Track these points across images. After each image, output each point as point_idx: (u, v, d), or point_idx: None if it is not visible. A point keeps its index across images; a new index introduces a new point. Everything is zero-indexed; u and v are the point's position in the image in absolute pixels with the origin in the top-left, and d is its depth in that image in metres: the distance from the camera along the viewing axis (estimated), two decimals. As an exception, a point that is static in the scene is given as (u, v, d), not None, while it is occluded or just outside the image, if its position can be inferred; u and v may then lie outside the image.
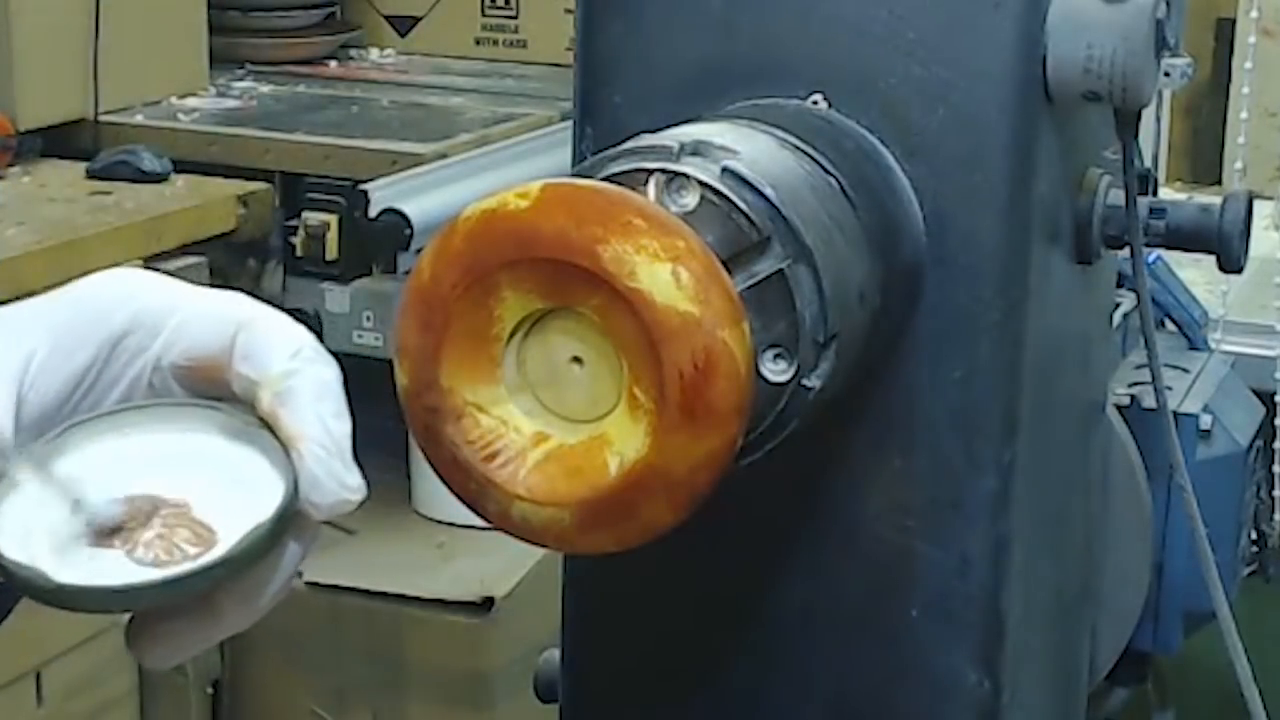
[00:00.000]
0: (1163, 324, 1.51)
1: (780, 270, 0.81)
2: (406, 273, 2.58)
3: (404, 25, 3.35)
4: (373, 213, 2.34)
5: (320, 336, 2.75)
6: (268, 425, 0.70)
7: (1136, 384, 1.32)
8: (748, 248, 0.81)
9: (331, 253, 2.57)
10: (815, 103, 0.97)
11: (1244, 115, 2.41)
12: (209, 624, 0.68)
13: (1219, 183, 2.82)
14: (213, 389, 0.70)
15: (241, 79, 3.10)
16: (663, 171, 0.82)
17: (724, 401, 0.76)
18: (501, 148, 2.65)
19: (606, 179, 0.81)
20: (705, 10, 0.99)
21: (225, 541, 0.67)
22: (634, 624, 1.07)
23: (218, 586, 0.67)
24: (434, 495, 2.56)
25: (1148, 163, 1.36)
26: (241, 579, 0.68)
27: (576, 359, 0.78)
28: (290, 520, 0.68)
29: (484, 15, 3.28)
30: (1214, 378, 1.45)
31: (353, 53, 3.35)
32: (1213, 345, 1.58)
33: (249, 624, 0.69)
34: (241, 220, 2.45)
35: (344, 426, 0.70)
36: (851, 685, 1.02)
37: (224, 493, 0.69)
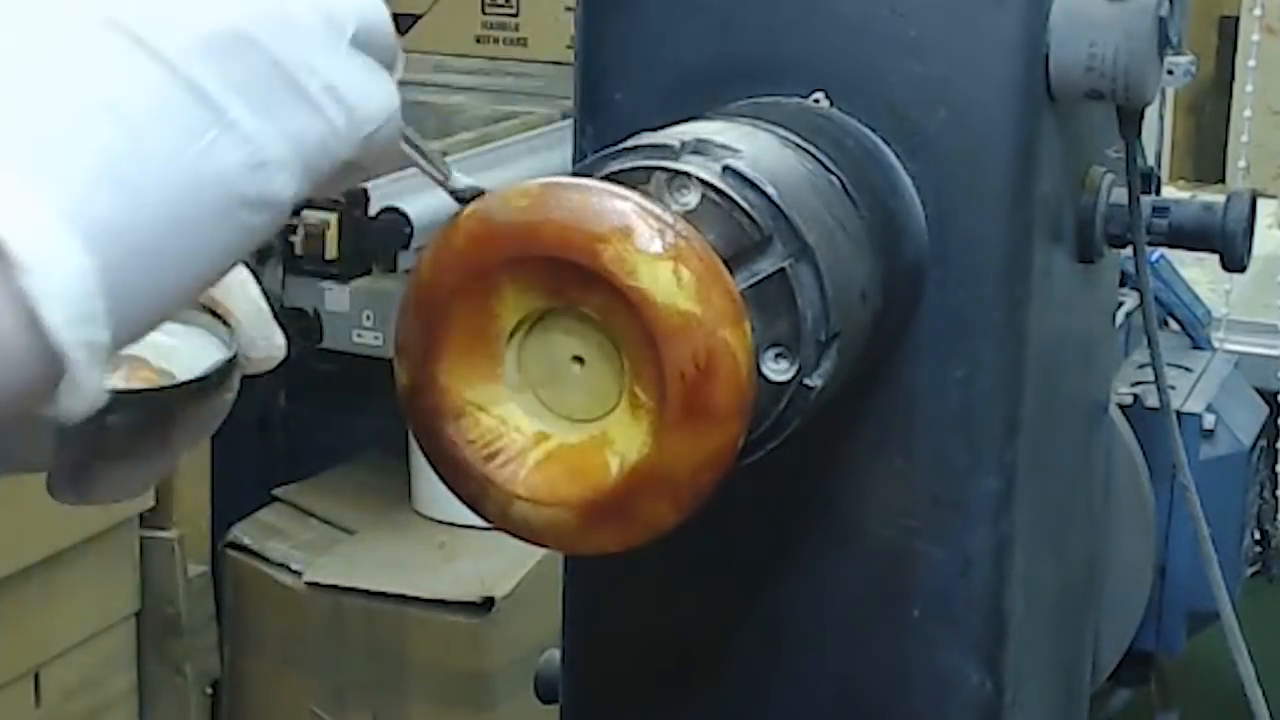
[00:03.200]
0: (1166, 323, 1.51)
1: (782, 269, 0.81)
2: (407, 272, 2.58)
3: (404, 23, 3.34)
4: (373, 211, 2.34)
5: (320, 336, 2.77)
6: (205, 309, 0.78)
7: (1139, 383, 1.32)
8: (749, 246, 0.81)
9: (331, 251, 2.56)
10: (816, 101, 0.97)
11: (1247, 113, 2.41)
12: (161, 455, 0.76)
13: (1222, 181, 2.81)
14: None
15: (241, 77, 3.09)
16: (663, 170, 0.81)
17: (725, 401, 0.75)
18: (502, 146, 2.65)
19: (607, 177, 0.81)
20: (706, 8, 0.99)
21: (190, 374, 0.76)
22: (634, 624, 1.07)
23: (185, 407, 0.76)
24: (434, 495, 2.56)
25: (1150, 161, 1.36)
26: (197, 409, 0.77)
27: (577, 358, 0.78)
28: (235, 367, 0.80)
29: (484, 13, 3.28)
30: (1217, 377, 1.45)
31: (353, 51, 3.34)
32: (1216, 344, 1.57)
33: (185, 454, 0.78)
34: (241, 219, 2.44)
35: (262, 300, 0.80)
36: (853, 685, 1.01)
37: (176, 352, 0.77)
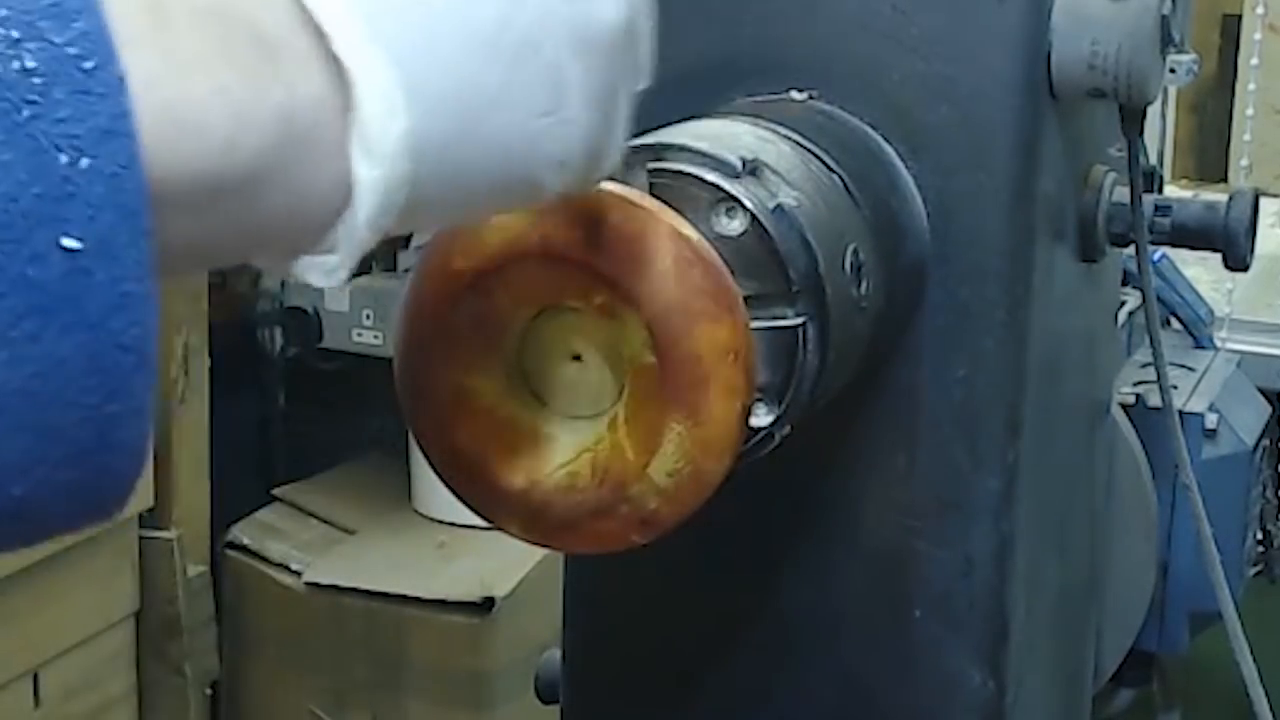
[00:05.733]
0: (1168, 322, 1.50)
1: (794, 326, 0.80)
2: (407, 270, 2.58)
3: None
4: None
5: (319, 335, 2.76)
6: None
7: (1142, 382, 1.31)
8: (773, 293, 0.80)
9: (331, 251, 2.56)
10: (812, 98, 0.96)
11: (1249, 112, 2.41)
12: None
13: (1225, 180, 2.81)
14: None
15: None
16: (717, 188, 0.80)
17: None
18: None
19: (656, 171, 0.80)
20: (709, 6, 0.98)
21: None
22: (634, 624, 1.06)
23: None
24: (434, 495, 2.56)
25: (1153, 160, 1.36)
26: None
27: (577, 356, 0.77)
28: None
29: (485, 13, 3.28)
30: (1220, 376, 1.45)
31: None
32: (1218, 344, 1.57)
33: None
34: (241, 218, 2.44)
35: None
36: (854, 686, 1.01)
37: None
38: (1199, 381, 1.43)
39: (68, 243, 0.50)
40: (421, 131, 0.60)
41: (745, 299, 0.76)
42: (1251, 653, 1.12)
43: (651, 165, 0.81)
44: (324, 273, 0.61)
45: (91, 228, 0.50)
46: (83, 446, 0.51)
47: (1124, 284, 1.25)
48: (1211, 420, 1.36)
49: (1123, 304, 1.30)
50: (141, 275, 0.51)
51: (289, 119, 0.57)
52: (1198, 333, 1.52)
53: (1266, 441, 1.43)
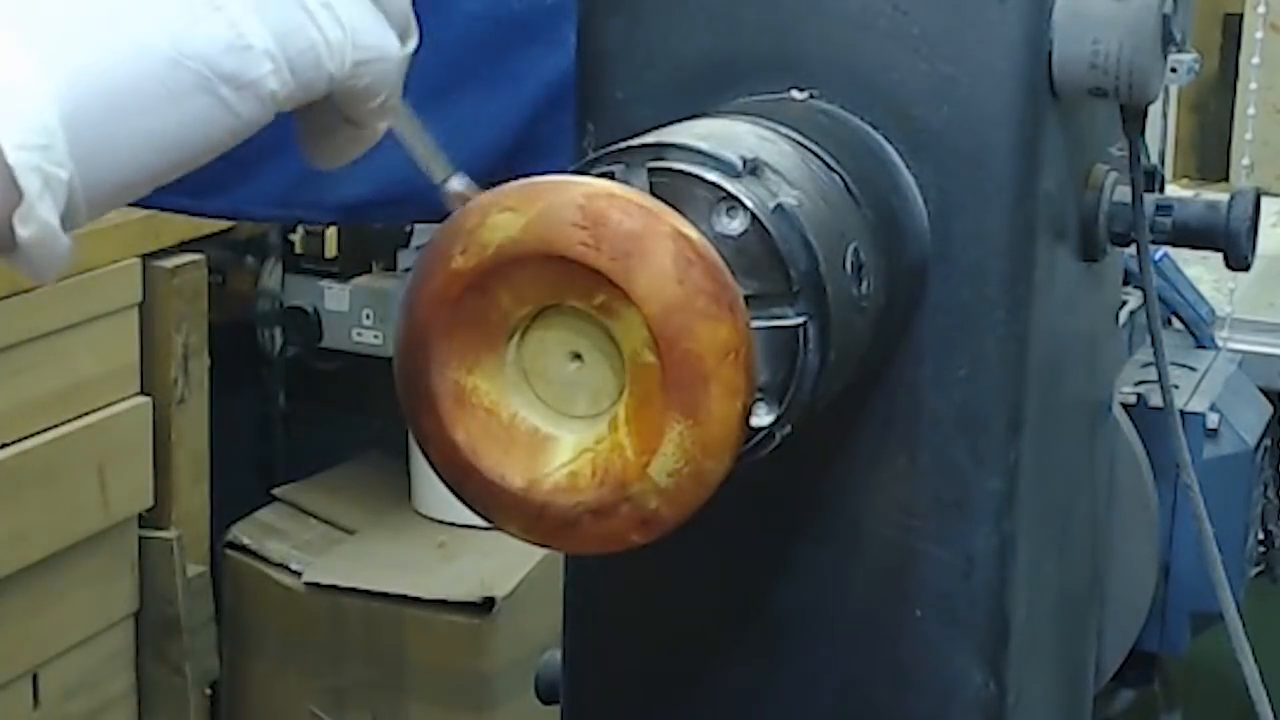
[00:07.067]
0: (1169, 322, 1.50)
1: (795, 326, 0.80)
2: (407, 270, 2.58)
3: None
4: (373, 210, 2.32)
5: (319, 335, 2.75)
6: None
7: (1143, 382, 1.31)
8: (774, 293, 0.80)
9: (331, 250, 2.56)
10: (811, 98, 0.96)
11: (1251, 111, 2.41)
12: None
13: (1226, 179, 2.81)
14: None
15: (242, 76, 3.08)
16: (718, 187, 0.80)
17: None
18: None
19: (657, 171, 0.80)
20: (708, 6, 0.98)
21: None
22: (635, 624, 1.06)
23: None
24: (434, 495, 2.55)
25: (1154, 159, 1.35)
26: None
27: (577, 355, 0.77)
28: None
29: (485, 12, 3.27)
30: (1221, 376, 1.44)
31: (353, 50, 3.33)
32: (1220, 343, 1.56)
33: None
34: (241, 218, 2.44)
35: None
36: (855, 686, 1.01)
37: None
38: (1200, 381, 1.42)
39: None
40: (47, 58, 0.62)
41: (746, 298, 0.76)
42: (1253, 653, 1.12)
43: (652, 165, 0.81)
44: (23, 219, 0.63)
45: None
46: None
47: (1125, 283, 1.25)
48: (1213, 420, 1.36)
49: (1124, 303, 1.29)
50: None
51: None
52: (1199, 332, 1.52)
53: (1268, 441, 1.43)
